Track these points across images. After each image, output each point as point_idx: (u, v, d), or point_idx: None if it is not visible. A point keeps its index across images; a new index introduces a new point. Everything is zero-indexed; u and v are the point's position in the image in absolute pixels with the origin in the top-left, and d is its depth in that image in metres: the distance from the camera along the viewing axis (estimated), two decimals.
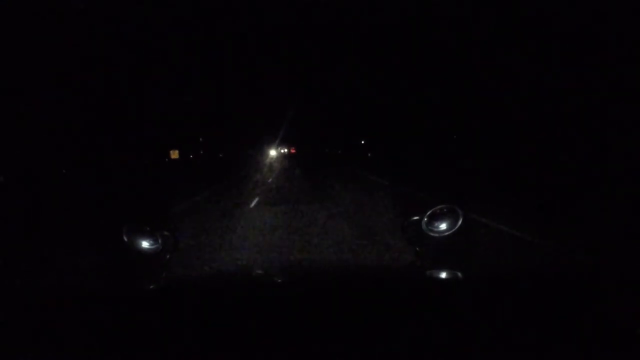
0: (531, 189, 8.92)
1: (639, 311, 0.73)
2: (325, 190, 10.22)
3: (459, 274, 1.09)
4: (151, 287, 1.14)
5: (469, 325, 0.69)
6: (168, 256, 1.30)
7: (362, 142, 49.80)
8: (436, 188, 9.68)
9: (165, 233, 1.29)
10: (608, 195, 6.93)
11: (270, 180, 14.62)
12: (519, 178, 10.99)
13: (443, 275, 1.11)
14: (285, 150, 59.02)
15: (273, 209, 7.30)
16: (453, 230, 1.24)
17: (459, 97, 23.52)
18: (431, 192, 8.75)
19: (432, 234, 1.26)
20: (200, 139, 61.07)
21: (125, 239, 1.22)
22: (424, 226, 1.27)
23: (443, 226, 1.26)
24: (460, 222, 1.24)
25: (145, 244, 1.24)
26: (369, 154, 38.87)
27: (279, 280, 1.22)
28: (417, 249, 1.35)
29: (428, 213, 1.27)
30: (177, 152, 38.50)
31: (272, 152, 42.47)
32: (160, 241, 1.25)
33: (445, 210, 1.27)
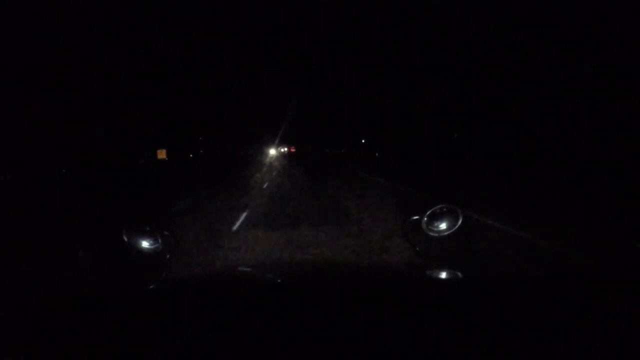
0: (533, 188, 8.92)
1: (638, 311, 0.73)
2: (334, 206, 7.40)
3: (459, 274, 1.09)
4: (151, 287, 1.14)
5: (469, 325, 0.69)
6: (168, 256, 1.30)
7: (363, 141, 49.69)
8: (474, 204, 6.57)
9: (165, 233, 1.29)
10: (607, 195, 6.93)
11: (266, 185, 12.55)
12: (521, 177, 10.97)
13: (443, 275, 1.11)
14: (285, 149, 58.96)
15: (263, 234, 5.16)
16: (453, 230, 1.24)
17: (460, 97, 23.51)
18: (475, 210, 5.99)
19: (432, 233, 1.27)
20: (200, 139, 61.10)
21: (125, 239, 1.22)
22: (424, 226, 1.27)
23: (443, 226, 1.26)
24: (460, 222, 1.24)
25: (145, 244, 1.24)
26: (377, 154, 35.36)
27: (279, 280, 1.22)
28: (417, 248, 1.35)
29: (428, 213, 1.27)
30: (164, 151, 35.50)
31: (272, 151, 42.41)
32: (160, 241, 1.25)
33: (445, 210, 1.27)
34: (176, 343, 0.66)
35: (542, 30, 16.83)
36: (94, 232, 5.97)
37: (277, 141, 48.61)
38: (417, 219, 1.30)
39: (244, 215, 6.72)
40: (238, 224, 5.99)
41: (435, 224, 1.26)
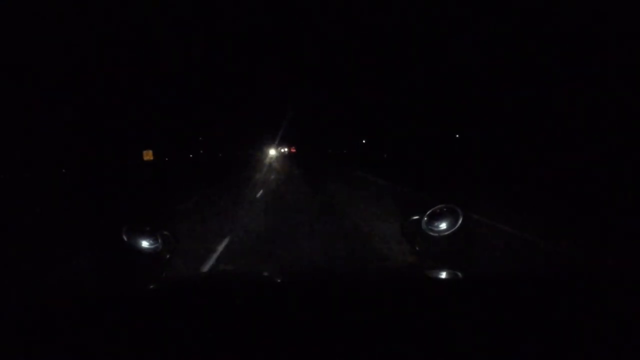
0: (533, 188, 8.92)
1: (638, 311, 0.73)
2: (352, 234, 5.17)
3: (459, 274, 1.09)
4: (151, 287, 1.14)
5: (469, 325, 0.69)
6: (168, 256, 1.30)
7: (363, 141, 49.55)
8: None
9: (165, 233, 1.29)
10: (607, 195, 6.93)
11: (259, 194, 10.21)
12: (521, 177, 10.95)
13: (443, 275, 1.11)
14: (285, 149, 58.83)
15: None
16: (453, 230, 1.24)
17: (460, 97, 23.50)
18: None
19: (432, 233, 1.26)
20: (200, 139, 61.10)
21: (125, 239, 1.22)
22: (424, 226, 1.27)
23: (443, 226, 1.26)
24: (460, 221, 1.24)
25: (145, 244, 1.24)
26: (385, 155, 31.38)
27: (279, 281, 1.22)
28: (417, 248, 1.35)
29: (428, 213, 1.27)
30: (150, 152, 31.88)
31: (272, 152, 42.27)
32: (160, 241, 1.25)
33: (445, 209, 1.27)
34: (176, 343, 0.66)
35: (542, 30, 16.83)
36: (94, 232, 5.97)
37: (277, 141, 48.39)
38: (417, 219, 1.30)
39: (223, 244, 4.84)
40: (214, 257, 4.33)
41: (435, 224, 1.26)
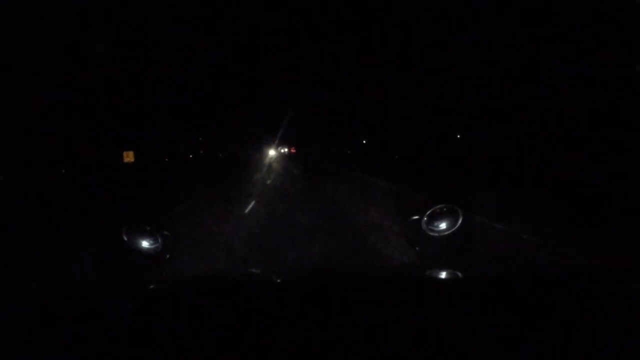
0: (534, 188, 8.93)
1: (639, 311, 0.73)
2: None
3: (459, 274, 1.10)
4: (151, 287, 1.14)
5: (469, 325, 0.69)
6: (168, 256, 1.30)
7: (364, 142, 49.41)
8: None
9: (165, 233, 1.29)
10: (607, 195, 6.94)
11: (249, 207, 7.35)
12: (523, 177, 10.95)
13: (443, 275, 1.11)
14: (286, 149, 58.74)
15: None
16: (453, 230, 1.24)
17: (461, 97, 23.47)
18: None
19: (432, 233, 1.26)
20: (200, 139, 61.10)
21: (125, 239, 1.22)
22: (424, 226, 1.27)
23: (443, 226, 1.26)
24: (460, 221, 1.24)
25: (145, 244, 1.24)
26: (396, 156, 27.65)
27: (279, 280, 1.22)
28: (417, 248, 1.35)
29: (428, 213, 1.27)
30: (131, 153, 28.59)
31: (272, 152, 42.17)
32: (160, 241, 1.25)
33: (445, 210, 1.27)
34: (176, 343, 0.66)
35: (543, 30, 16.83)
36: (93, 232, 5.97)
37: (276, 142, 48.25)
38: (417, 219, 1.30)
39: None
40: None
41: (435, 224, 1.26)
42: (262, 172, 19.07)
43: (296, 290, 1.00)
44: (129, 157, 29.02)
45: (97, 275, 3.67)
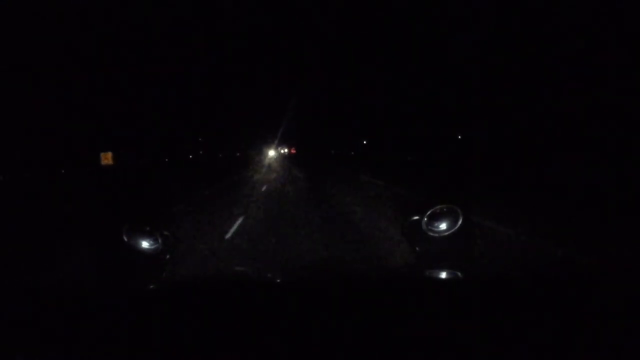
0: (534, 188, 8.93)
1: (638, 311, 0.73)
2: None
3: (459, 274, 1.10)
4: (151, 287, 1.14)
5: (469, 325, 0.69)
6: (168, 256, 1.30)
7: (364, 142, 49.13)
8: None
9: (165, 233, 1.29)
10: (608, 195, 6.94)
11: (233, 229, 5.69)
12: (523, 177, 10.91)
13: (443, 275, 1.11)
14: (285, 150, 58.67)
15: None
16: (453, 230, 1.24)
17: (462, 97, 23.43)
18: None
19: (432, 234, 1.26)
20: (200, 139, 61.12)
21: (125, 239, 1.22)
22: (424, 226, 1.27)
23: (443, 226, 1.26)
24: (460, 222, 1.24)
25: (145, 244, 1.24)
26: (409, 158, 24.21)
27: (279, 281, 1.22)
28: (417, 249, 1.35)
29: (428, 213, 1.27)
30: (110, 155, 25.17)
31: (271, 152, 42.04)
32: (160, 241, 1.25)
33: (445, 210, 1.27)
34: (176, 343, 0.66)
35: (545, 29, 16.82)
36: (93, 232, 5.97)
37: (276, 142, 48.09)
38: (417, 219, 1.30)
39: None
40: None
41: (435, 224, 1.26)
42: (261, 173, 18.69)
43: (296, 290, 1.00)
44: (107, 159, 25.42)
45: (97, 275, 3.67)
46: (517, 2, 18.91)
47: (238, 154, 61.54)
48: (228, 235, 5.31)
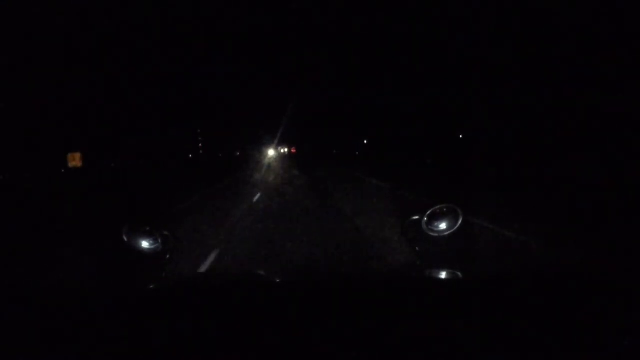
0: (535, 188, 8.93)
1: (638, 311, 0.73)
2: None
3: (459, 274, 1.10)
4: (151, 287, 1.14)
5: (469, 325, 0.69)
6: (168, 256, 1.30)
7: (365, 142, 48.82)
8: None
9: (165, 233, 1.29)
10: (606, 195, 6.94)
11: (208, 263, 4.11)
12: (524, 178, 10.89)
13: (443, 275, 1.11)
14: (286, 150, 58.60)
15: None
16: (453, 230, 1.24)
17: (463, 97, 23.38)
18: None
19: (432, 233, 1.26)
20: (200, 139, 61.20)
21: (125, 239, 1.22)
22: (424, 226, 1.27)
23: (443, 226, 1.26)
24: (460, 222, 1.24)
25: (145, 244, 1.24)
26: (428, 160, 21.12)
27: (279, 281, 1.22)
28: (417, 248, 1.35)
29: (428, 213, 1.27)
30: (78, 156, 21.48)
31: (271, 152, 41.96)
32: (160, 241, 1.25)
33: (445, 210, 1.27)
34: (176, 343, 0.66)
35: (547, 29, 16.80)
36: (93, 232, 5.97)
37: (276, 142, 47.89)
38: (417, 219, 1.30)
39: None
40: None
41: (435, 224, 1.26)
42: (259, 175, 18.38)
43: (296, 290, 1.00)
44: (74, 160, 21.38)
45: (97, 275, 3.67)
46: (518, 2, 18.92)
47: (238, 154, 61.52)
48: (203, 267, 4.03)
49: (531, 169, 12.32)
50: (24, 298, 0.97)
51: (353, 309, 0.79)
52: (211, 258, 4.26)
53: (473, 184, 10.48)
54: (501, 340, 0.64)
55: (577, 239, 4.35)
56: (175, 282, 1.28)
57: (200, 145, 62.70)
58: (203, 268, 3.88)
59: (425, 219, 1.27)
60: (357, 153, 43.68)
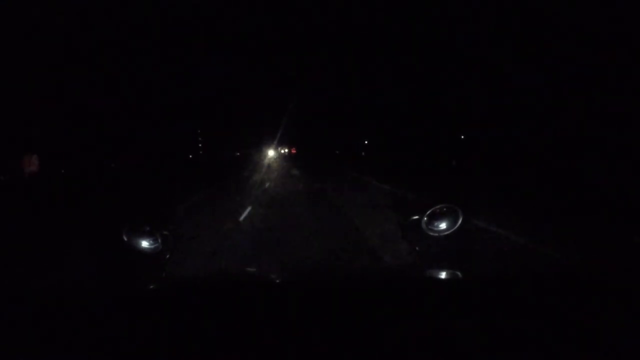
0: (535, 189, 8.92)
1: (638, 311, 0.73)
2: None
3: (459, 274, 1.10)
4: (151, 287, 1.14)
5: (468, 324, 0.69)
6: (168, 256, 1.30)
7: (366, 142, 48.55)
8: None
9: (165, 233, 1.29)
10: (609, 196, 6.94)
11: None
12: (524, 178, 10.87)
13: (443, 275, 1.11)
14: (286, 150, 58.49)
15: None
16: (453, 230, 1.24)
17: (464, 97, 23.35)
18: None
19: (432, 233, 1.26)
20: (200, 139, 61.21)
21: (125, 239, 1.22)
22: (424, 226, 1.27)
23: (443, 226, 1.26)
24: (460, 222, 1.24)
25: (145, 244, 1.24)
26: (453, 162, 18.20)
27: (279, 281, 1.22)
28: (417, 248, 1.35)
29: (428, 213, 1.27)
30: (34, 158, 17.36)
31: (271, 152, 41.80)
32: (160, 241, 1.25)
33: (445, 210, 1.27)
34: (176, 343, 0.66)
35: (548, 29, 16.80)
36: (93, 232, 5.97)
37: (276, 142, 47.71)
38: (417, 219, 1.30)
39: None
40: None
41: (435, 224, 1.26)
42: (260, 173, 18.22)
43: (296, 290, 1.00)
44: (29, 162, 17.00)
45: (97, 275, 3.66)
46: (518, 2, 18.92)
47: (238, 154, 61.45)
48: None
49: (531, 169, 12.31)
50: (24, 298, 0.97)
51: (353, 309, 0.79)
52: None
53: (473, 184, 10.40)
54: (501, 340, 0.63)
55: (577, 239, 4.35)
56: (175, 282, 1.28)
57: (200, 145, 62.70)
58: None
59: (425, 219, 1.27)
60: (363, 154, 39.58)
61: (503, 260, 3.85)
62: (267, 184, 12.51)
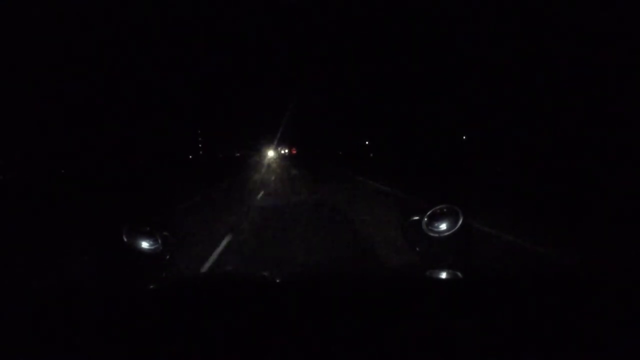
0: (535, 189, 8.91)
1: (638, 311, 0.73)
2: None
3: (459, 274, 1.09)
4: (151, 287, 1.14)
5: (469, 325, 0.69)
6: (168, 256, 1.30)
7: (366, 142, 48.34)
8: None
9: (165, 233, 1.29)
10: (605, 196, 6.94)
11: None
12: (524, 179, 10.85)
13: (443, 275, 1.11)
14: (286, 150, 58.42)
15: None
16: (453, 230, 1.24)
17: (465, 97, 23.32)
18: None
19: (432, 234, 1.26)
20: (200, 139, 61.20)
21: (125, 239, 1.22)
22: (424, 226, 1.27)
23: (443, 226, 1.26)
24: (460, 222, 1.24)
25: (145, 244, 1.24)
26: (498, 169, 13.61)
27: (279, 281, 1.22)
28: (417, 249, 1.35)
29: (428, 213, 1.27)
30: None
31: (271, 153, 41.71)
32: (160, 241, 1.25)
33: (445, 210, 1.27)
34: (176, 343, 0.66)
35: (550, 28, 16.78)
36: (93, 232, 5.96)
37: (276, 142, 47.53)
38: (417, 219, 1.30)
39: None
40: None
41: (436, 224, 1.26)
42: (260, 173, 17.98)
43: (296, 290, 1.00)
44: None
45: (97, 275, 3.66)
46: (518, 2, 18.91)
47: (238, 154, 61.41)
48: None
49: (531, 169, 12.30)
50: (24, 298, 0.97)
51: (353, 309, 0.79)
52: None
53: (474, 184, 10.35)
54: (501, 340, 0.63)
55: (577, 239, 4.35)
56: (175, 282, 1.28)
57: (200, 145, 62.70)
58: None
59: (426, 219, 1.27)
60: (372, 155, 36.72)
61: (503, 261, 3.85)
62: (261, 193, 10.29)
